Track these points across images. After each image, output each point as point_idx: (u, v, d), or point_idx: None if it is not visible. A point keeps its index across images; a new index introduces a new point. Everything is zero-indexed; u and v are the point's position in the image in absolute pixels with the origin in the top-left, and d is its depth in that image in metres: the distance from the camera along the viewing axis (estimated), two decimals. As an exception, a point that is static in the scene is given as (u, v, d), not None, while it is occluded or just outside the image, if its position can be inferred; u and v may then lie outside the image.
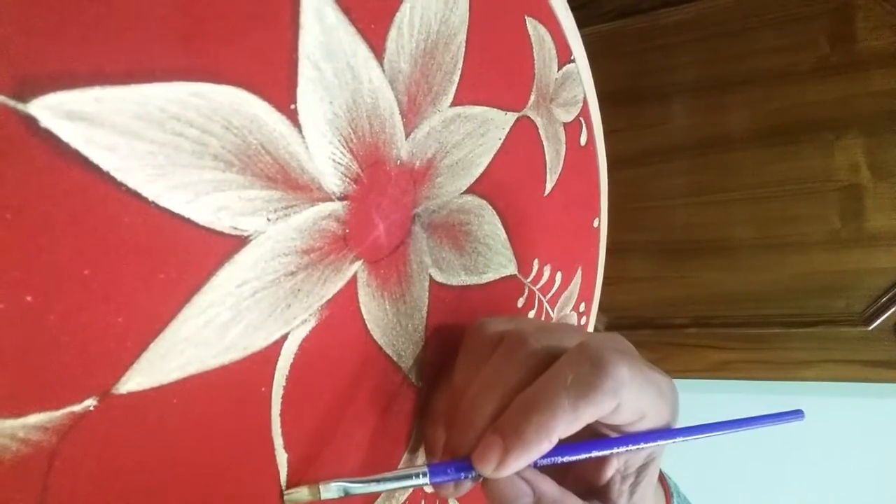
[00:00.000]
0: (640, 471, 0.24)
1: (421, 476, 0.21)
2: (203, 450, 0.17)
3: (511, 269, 0.33)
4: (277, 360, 0.19)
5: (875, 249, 0.97)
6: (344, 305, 0.21)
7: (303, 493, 0.20)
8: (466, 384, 0.24)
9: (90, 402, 0.14)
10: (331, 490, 0.20)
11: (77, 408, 0.14)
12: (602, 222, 0.45)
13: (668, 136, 1.11)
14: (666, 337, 1.11)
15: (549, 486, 0.22)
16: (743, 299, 1.06)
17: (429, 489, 0.28)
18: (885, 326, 0.97)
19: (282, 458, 0.19)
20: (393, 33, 0.22)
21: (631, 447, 0.23)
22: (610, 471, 0.24)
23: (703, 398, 1.09)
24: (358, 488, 0.20)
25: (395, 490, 0.25)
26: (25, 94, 0.12)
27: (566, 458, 0.22)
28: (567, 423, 0.20)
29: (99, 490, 0.15)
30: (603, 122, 0.43)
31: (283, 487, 0.20)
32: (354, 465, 0.23)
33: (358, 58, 0.20)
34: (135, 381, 0.15)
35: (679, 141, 1.10)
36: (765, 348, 1.05)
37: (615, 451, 0.23)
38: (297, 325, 0.19)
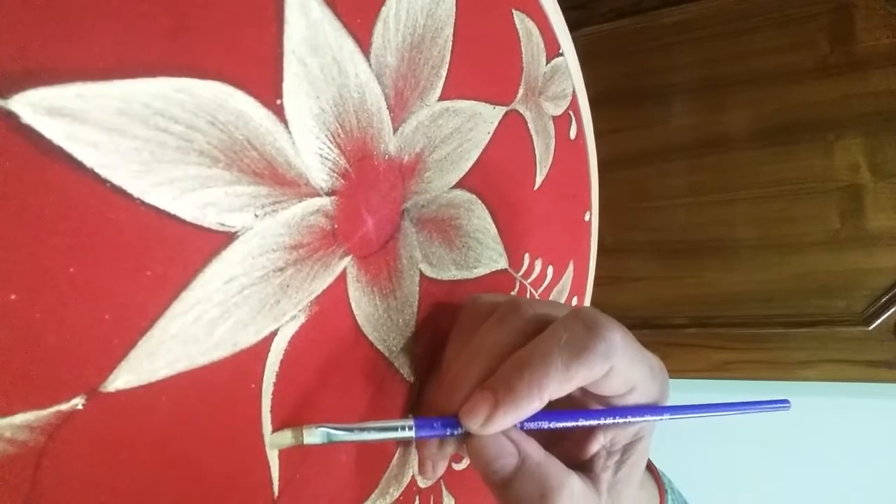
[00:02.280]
0: (627, 449, 0.24)
1: (406, 429, 0.21)
2: (193, 448, 0.17)
3: (502, 263, 0.32)
4: (267, 357, 0.19)
5: (875, 249, 0.98)
6: (334, 301, 0.21)
7: (286, 436, 0.19)
8: (457, 354, 0.24)
9: (78, 401, 0.14)
10: (314, 435, 0.19)
11: (64, 407, 0.14)
12: (593, 216, 0.45)
13: (668, 136, 1.11)
14: (666, 337, 1.11)
15: (534, 449, 0.21)
16: (743, 299, 1.06)
17: (423, 484, 0.27)
18: (885, 326, 0.97)
19: (273, 455, 0.19)
20: (379, 27, 0.22)
21: (619, 419, 0.23)
22: (595, 445, 0.24)
23: (703, 398, 1.09)
24: (342, 435, 0.20)
25: (389, 487, 0.25)
26: (5, 90, 0.12)
27: (553, 424, 0.22)
28: (559, 383, 0.20)
29: (88, 489, 0.14)
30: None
31: (275, 487, 0.20)
32: (346, 461, 0.23)
33: (344, 52, 0.20)
34: (123, 379, 0.15)
35: (679, 141, 1.11)
36: (765, 348, 1.05)
37: (602, 421, 0.23)
38: (287, 322, 0.19)
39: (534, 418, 0.22)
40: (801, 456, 1.07)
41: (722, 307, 1.08)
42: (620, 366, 0.21)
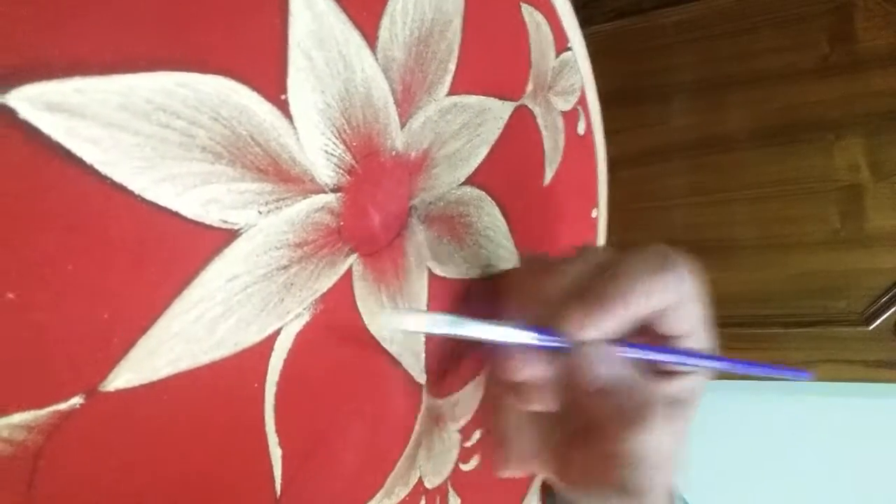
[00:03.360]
0: (676, 406, 0.25)
1: (526, 335, 0.21)
2: (194, 448, 0.17)
3: (513, 261, 0.32)
4: (270, 356, 0.19)
5: (875, 249, 0.98)
6: (339, 299, 0.21)
7: (408, 315, 0.19)
8: (531, 280, 0.25)
9: (76, 401, 0.14)
10: (437, 322, 0.19)
11: (63, 406, 0.14)
12: (601, 212, 0.44)
13: (669, 136, 1.12)
14: (666, 337, 1.12)
15: (632, 368, 0.22)
16: (743, 299, 1.06)
17: (429, 485, 0.27)
18: (885, 326, 0.98)
19: (276, 454, 0.19)
20: (386, 21, 0.22)
21: (695, 360, 0.24)
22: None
23: (703, 398, 1.09)
24: (467, 323, 0.20)
25: (395, 487, 0.25)
26: (3, 85, 0.12)
27: (647, 354, 0.23)
28: (642, 294, 0.21)
29: (86, 490, 0.14)
30: (603, 122, 0.43)
31: (278, 486, 0.19)
32: (351, 461, 0.23)
33: (350, 46, 0.20)
34: (123, 378, 0.15)
35: (679, 141, 1.11)
36: (765, 348, 1.05)
37: (686, 361, 0.24)
38: (291, 320, 0.19)
39: (628, 345, 0.22)
40: (802, 456, 1.07)
41: (722, 307, 1.07)
42: (689, 299, 0.23)
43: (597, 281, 0.22)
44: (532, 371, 0.22)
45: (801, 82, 1.02)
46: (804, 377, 0.28)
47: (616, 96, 1.12)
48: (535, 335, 0.21)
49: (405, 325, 0.19)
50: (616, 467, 0.21)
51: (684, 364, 0.24)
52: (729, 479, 1.10)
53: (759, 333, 1.05)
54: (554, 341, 0.22)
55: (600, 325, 0.21)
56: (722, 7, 1.07)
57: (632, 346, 0.23)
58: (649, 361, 0.23)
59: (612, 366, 0.22)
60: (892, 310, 0.96)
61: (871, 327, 0.98)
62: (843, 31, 0.99)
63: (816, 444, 1.06)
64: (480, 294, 0.28)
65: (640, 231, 1.13)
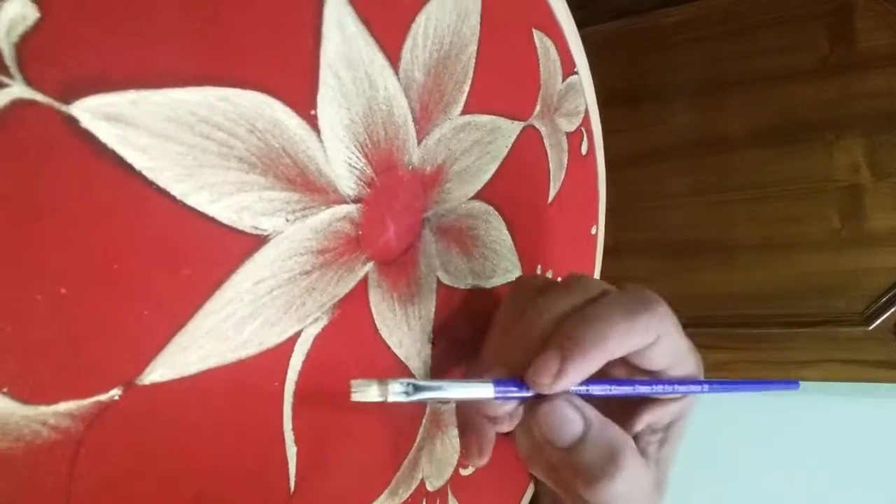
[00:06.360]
0: (669, 427, 0.25)
1: (485, 390, 0.21)
2: (217, 442, 0.17)
3: (516, 273, 0.33)
4: (291, 356, 0.19)
5: (875, 249, 0.97)
6: (355, 304, 0.21)
7: (371, 390, 0.19)
8: (512, 318, 0.24)
9: (115, 392, 0.14)
10: (397, 390, 0.19)
11: (103, 397, 0.14)
12: (599, 230, 0.45)
13: (668, 136, 1.11)
14: (666, 336, 1.11)
15: (596, 414, 0.22)
16: (743, 299, 1.06)
17: (431, 487, 0.28)
18: (885, 326, 0.97)
19: (291, 451, 0.20)
20: (409, 43, 0.23)
21: (667, 388, 0.24)
22: (640, 424, 0.25)
23: (703, 398, 1.09)
24: (424, 387, 0.19)
25: (398, 488, 0.25)
26: (68, 96, 0.13)
27: (614, 389, 0.23)
28: (620, 338, 0.21)
29: (120, 477, 0.15)
30: (603, 123, 0.44)
31: (292, 483, 0.20)
32: (360, 460, 0.23)
33: (375, 66, 0.21)
34: (158, 372, 0.15)
35: (679, 141, 1.10)
36: (765, 348, 1.05)
37: (654, 389, 0.24)
38: (311, 323, 0.20)
39: (596, 382, 0.22)
40: (802, 456, 1.07)
41: (722, 307, 1.08)
42: (669, 334, 0.23)
43: (573, 324, 0.22)
44: (508, 409, 0.22)
45: (801, 82, 1.01)
46: (794, 388, 0.28)
47: (616, 96, 1.11)
48: (501, 390, 0.21)
49: (369, 396, 0.19)
50: None
51: (666, 393, 0.24)
52: (729, 478, 1.10)
53: (760, 333, 1.05)
54: (519, 395, 0.21)
55: (576, 376, 0.21)
56: (722, 7, 1.07)
57: (608, 382, 0.23)
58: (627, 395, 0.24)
59: (574, 424, 0.21)
60: (892, 310, 0.96)
61: (871, 327, 0.97)
62: (843, 31, 0.98)
63: (816, 443, 1.06)
64: (480, 305, 0.29)
65: (640, 231, 1.13)
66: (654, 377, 0.24)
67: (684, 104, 1.10)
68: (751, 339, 1.06)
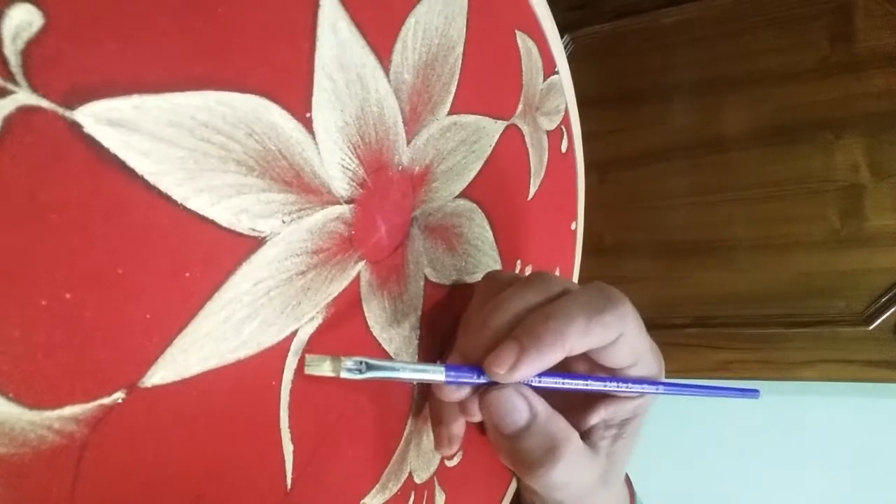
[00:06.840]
0: (624, 424, 0.26)
1: (437, 373, 0.21)
2: (217, 442, 0.17)
3: (497, 269, 0.33)
4: (287, 356, 0.19)
5: (875, 249, 0.97)
6: (347, 303, 0.22)
7: (325, 365, 0.19)
8: (480, 313, 0.25)
9: (118, 395, 0.14)
10: (349, 366, 0.19)
11: (107, 400, 0.14)
12: (578, 225, 0.46)
13: (668, 137, 1.11)
14: (666, 337, 1.11)
15: (543, 406, 0.23)
16: (743, 299, 1.06)
17: (418, 480, 0.28)
18: (885, 326, 0.97)
19: (288, 449, 0.20)
20: (399, 46, 0.23)
21: (621, 385, 0.24)
22: (595, 418, 0.26)
23: (703, 399, 1.09)
24: (377, 365, 0.20)
25: (388, 482, 0.26)
26: (73, 101, 0.13)
27: (566, 382, 0.23)
28: (579, 335, 0.22)
29: (123, 479, 0.15)
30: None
31: (289, 480, 0.20)
32: (352, 457, 0.23)
33: (367, 69, 0.21)
34: (159, 374, 0.15)
35: (679, 141, 1.10)
36: (765, 348, 1.05)
37: (607, 386, 0.24)
38: (306, 322, 0.20)
39: (549, 374, 0.23)
40: (802, 456, 1.07)
41: (722, 307, 1.08)
42: (630, 334, 0.23)
43: (535, 319, 0.22)
44: (460, 395, 0.23)
45: (801, 82, 1.01)
46: (754, 396, 0.29)
47: (616, 96, 1.12)
48: (452, 375, 0.22)
49: (323, 370, 0.19)
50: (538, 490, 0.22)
51: (619, 391, 0.25)
52: (728, 478, 1.10)
53: (759, 333, 1.05)
54: (469, 381, 0.22)
55: (532, 369, 0.21)
56: (722, 7, 1.07)
57: (561, 375, 0.23)
58: (582, 390, 0.24)
59: (520, 413, 0.22)
60: (892, 310, 0.96)
61: (871, 327, 0.97)
62: (843, 31, 0.98)
63: (816, 443, 1.06)
64: (463, 300, 0.29)
65: (640, 231, 1.13)
66: (614, 374, 0.25)
67: (684, 104, 1.11)
68: (751, 339, 1.06)
